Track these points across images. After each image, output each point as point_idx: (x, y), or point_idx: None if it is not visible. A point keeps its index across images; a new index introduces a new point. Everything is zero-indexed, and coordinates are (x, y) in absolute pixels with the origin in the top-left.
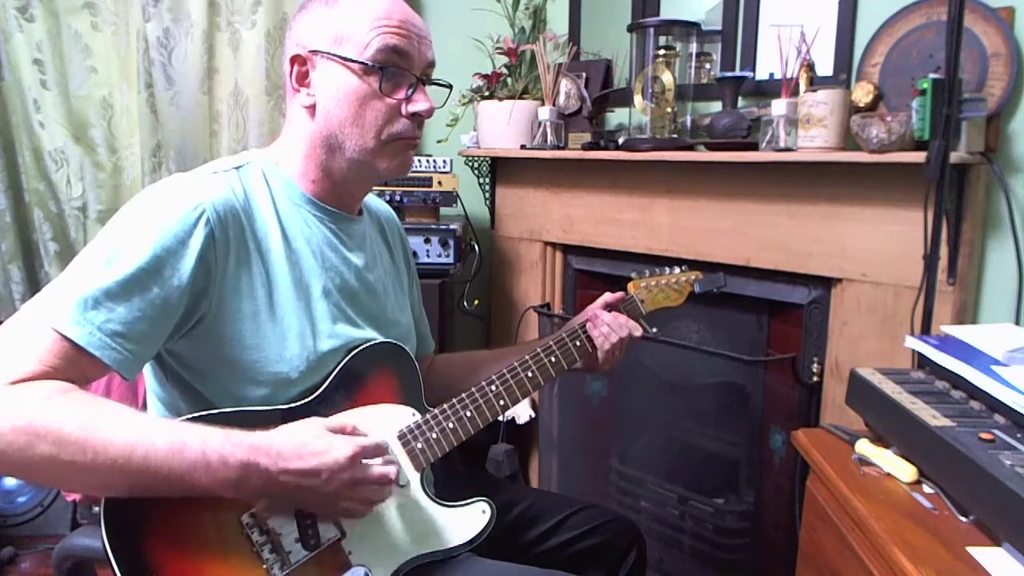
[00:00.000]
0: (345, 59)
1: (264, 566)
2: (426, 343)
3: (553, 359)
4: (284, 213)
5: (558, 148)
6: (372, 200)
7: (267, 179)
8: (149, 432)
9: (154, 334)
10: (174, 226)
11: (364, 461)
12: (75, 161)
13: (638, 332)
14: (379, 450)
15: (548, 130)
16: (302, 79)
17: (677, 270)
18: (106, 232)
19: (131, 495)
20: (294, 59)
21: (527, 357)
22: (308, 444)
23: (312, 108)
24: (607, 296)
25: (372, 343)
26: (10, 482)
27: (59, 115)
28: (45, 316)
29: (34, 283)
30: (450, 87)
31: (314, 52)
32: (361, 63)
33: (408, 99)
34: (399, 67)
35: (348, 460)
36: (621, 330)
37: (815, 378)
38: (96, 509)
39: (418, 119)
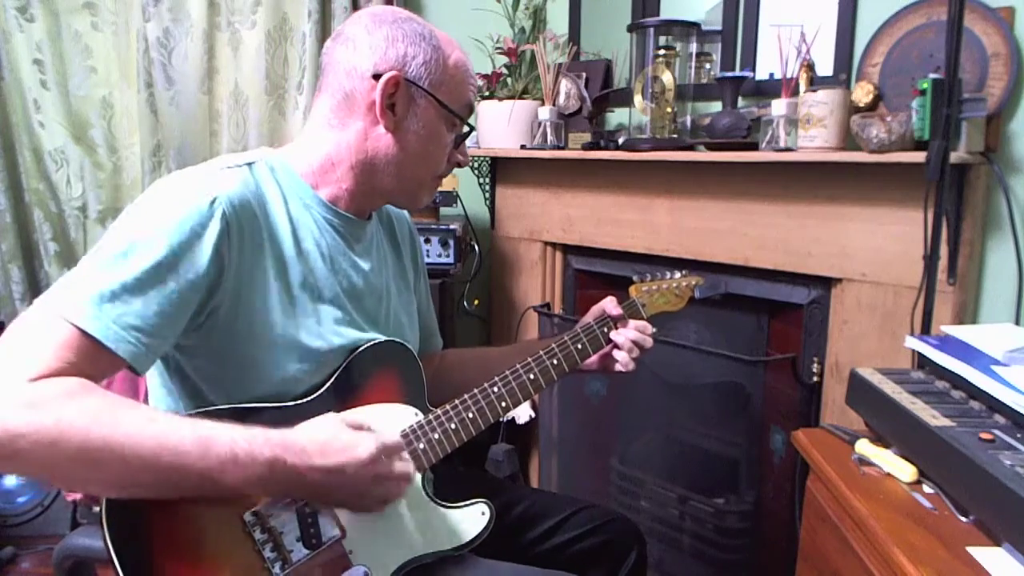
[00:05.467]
0: (443, 104)
1: (265, 564)
2: (434, 339)
3: (555, 361)
4: (294, 213)
5: (558, 148)
6: None
7: (276, 178)
8: (177, 430)
9: (169, 327)
10: (190, 219)
11: (383, 458)
12: (75, 161)
13: (651, 344)
14: (398, 447)
15: (548, 130)
16: (390, 100)
17: (678, 275)
18: (121, 225)
19: (155, 495)
20: (391, 79)
21: (529, 359)
22: (331, 441)
23: (390, 130)
24: (609, 308)
25: (376, 342)
26: (10, 482)
27: (59, 115)
28: (61, 310)
29: (34, 283)
30: None
31: (410, 82)
32: (454, 113)
33: (457, 150)
34: (468, 124)
35: (370, 457)
36: (645, 341)
37: (815, 378)
38: (96, 509)
39: (457, 167)
